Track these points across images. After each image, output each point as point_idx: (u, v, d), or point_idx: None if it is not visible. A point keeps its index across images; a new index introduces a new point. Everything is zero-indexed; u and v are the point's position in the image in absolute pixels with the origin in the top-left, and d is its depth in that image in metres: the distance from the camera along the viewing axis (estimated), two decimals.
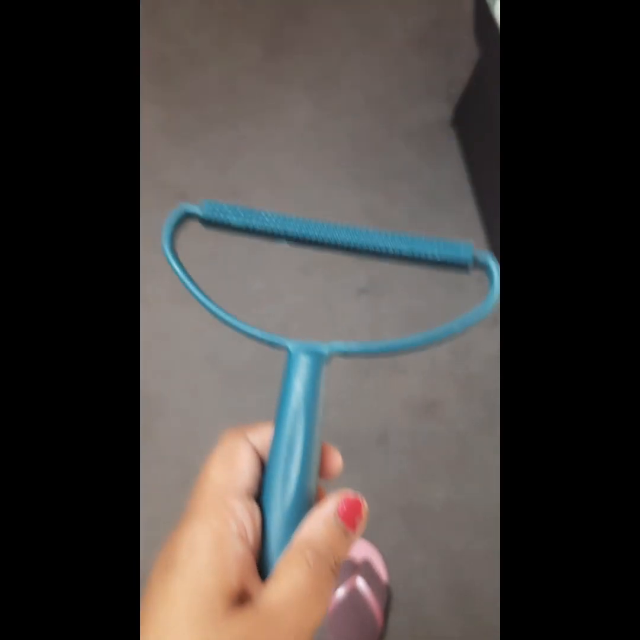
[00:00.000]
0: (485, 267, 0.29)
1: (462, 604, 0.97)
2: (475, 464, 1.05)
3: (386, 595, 0.94)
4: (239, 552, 0.25)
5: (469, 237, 1.18)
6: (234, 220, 0.31)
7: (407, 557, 0.99)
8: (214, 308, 0.31)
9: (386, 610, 0.94)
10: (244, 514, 0.26)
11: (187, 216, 0.31)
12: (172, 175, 1.24)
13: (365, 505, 0.27)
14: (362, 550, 0.96)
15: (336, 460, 0.30)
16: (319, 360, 0.29)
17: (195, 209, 0.31)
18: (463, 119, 1.19)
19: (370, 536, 0.98)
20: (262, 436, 0.29)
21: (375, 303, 1.15)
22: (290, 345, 0.30)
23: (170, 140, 1.28)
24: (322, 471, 0.29)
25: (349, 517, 0.26)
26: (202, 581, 0.24)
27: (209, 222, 0.31)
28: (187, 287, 0.31)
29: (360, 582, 0.92)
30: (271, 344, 0.30)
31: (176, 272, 0.31)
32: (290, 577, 0.24)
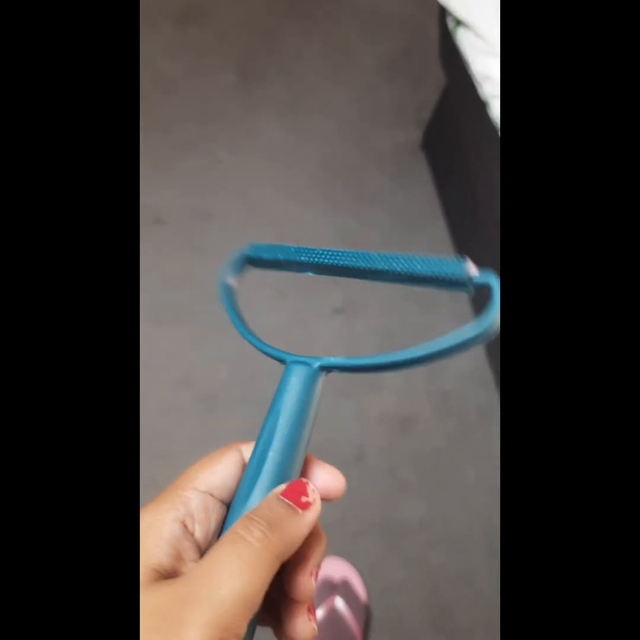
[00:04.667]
0: (486, 286, 0.28)
1: (442, 620, 0.97)
2: (452, 480, 1.06)
3: (365, 614, 0.94)
4: (176, 535, 0.25)
5: (444, 254, 1.20)
6: (280, 259, 0.34)
7: (386, 574, 0.99)
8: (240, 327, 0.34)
9: (366, 629, 0.94)
10: (197, 506, 0.27)
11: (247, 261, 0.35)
12: (147, 199, 1.25)
13: (311, 485, 0.27)
14: (340, 569, 0.96)
15: (338, 480, 0.30)
16: (313, 374, 0.30)
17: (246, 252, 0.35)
18: (432, 142, 1.22)
19: (348, 554, 0.98)
20: None
21: (350, 322, 1.16)
22: (288, 358, 0.31)
23: (144, 164, 1.29)
24: (325, 491, 0.29)
25: (291, 494, 0.26)
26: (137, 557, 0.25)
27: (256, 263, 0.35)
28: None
29: (339, 602, 0.91)
30: (269, 356, 0.32)
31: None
32: (208, 553, 0.24)
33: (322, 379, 0.30)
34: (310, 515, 0.26)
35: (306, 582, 0.27)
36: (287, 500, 0.26)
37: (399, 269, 0.30)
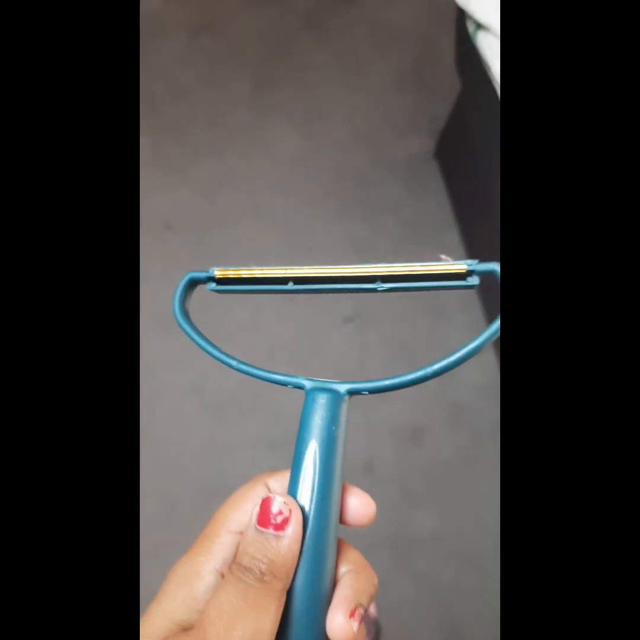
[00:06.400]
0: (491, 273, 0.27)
1: (453, 637, 0.94)
2: (463, 493, 1.04)
3: (375, 629, 0.92)
4: (212, 588, 0.25)
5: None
6: (240, 288, 0.32)
7: (396, 589, 0.97)
8: (221, 355, 0.31)
9: None
10: (234, 550, 0.26)
11: (194, 282, 0.32)
12: (158, 205, 1.25)
13: (280, 498, 0.25)
14: None
15: (368, 506, 0.28)
16: (336, 399, 0.28)
17: (201, 275, 0.32)
18: (446, 152, 1.22)
19: None
20: (282, 481, 0.28)
21: (360, 331, 1.15)
22: (307, 384, 0.29)
23: (156, 171, 1.29)
24: (353, 517, 0.28)
25: (262, 518, 0.25)
26: (161, 610, 0.25)
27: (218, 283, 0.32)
28: (199, 345, 0.31)
29: None
30: (289, 385, 0.29)
31: (186, 332, 0.31)
32: (213, 596, 0.24)
33: (347, 403, 0.29)
34: (291, 532, 0.25)
35: (343, 623, 0.25)
36: (264, 530, 0.25)
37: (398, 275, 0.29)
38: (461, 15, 0.74)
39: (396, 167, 1.29)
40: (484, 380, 1.12)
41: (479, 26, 0.67)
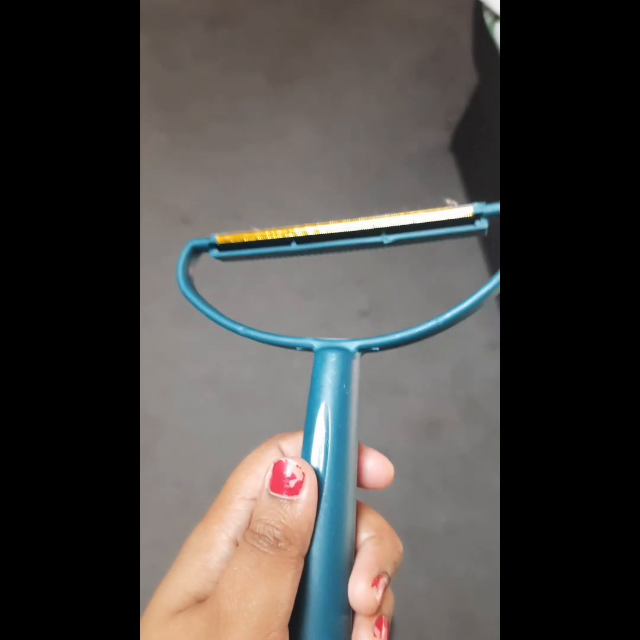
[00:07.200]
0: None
1: (465, 630, 0.95)
2: (477, 487, 1.04)
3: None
4: (227, 558, 0.24)
5: (469, 257, 1.19)
6: (243, 253, 0.31)
7: (409, 582, 0.97)
8: (226, 322, 0.30)
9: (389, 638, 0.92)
10: (248, 518, 0.25)
11: (196, 250, 0.32)
12: (176, 198, 1.26)
13: (292, 461, 0.24)
14: None
15: (386, 468, 0.27)
16: (346, 356, 0.27)
17: (204, 242, 0.31)
18: (462, 145, 1.21)
19: None
20: (296, 444, 0.27)
21: (376, 325, 1.15)
22: (316, 344, 0.28)
23: (174, 164, 1.29)
24: (370, 479, 0.27)
25: (275, 483, 0.24)
26: (174, 582, 0.24)
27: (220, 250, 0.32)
28: (197, 307, 0.31)
29: None
30: (298, 347, 0.29)
31: (190, 300, 0.31)
32: (227, 566, 0.23)
33: (359, 361, 0.28)
34: (306, 496, 0.24)
35: (365, 592, 0.24)
36: (277, 495, 0.24)
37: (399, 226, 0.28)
38: (479, 7, 0.74)
39: (412, 160, 1.29)
40: (498, 374, 1.11)
41: (497, 18, 0.67)
